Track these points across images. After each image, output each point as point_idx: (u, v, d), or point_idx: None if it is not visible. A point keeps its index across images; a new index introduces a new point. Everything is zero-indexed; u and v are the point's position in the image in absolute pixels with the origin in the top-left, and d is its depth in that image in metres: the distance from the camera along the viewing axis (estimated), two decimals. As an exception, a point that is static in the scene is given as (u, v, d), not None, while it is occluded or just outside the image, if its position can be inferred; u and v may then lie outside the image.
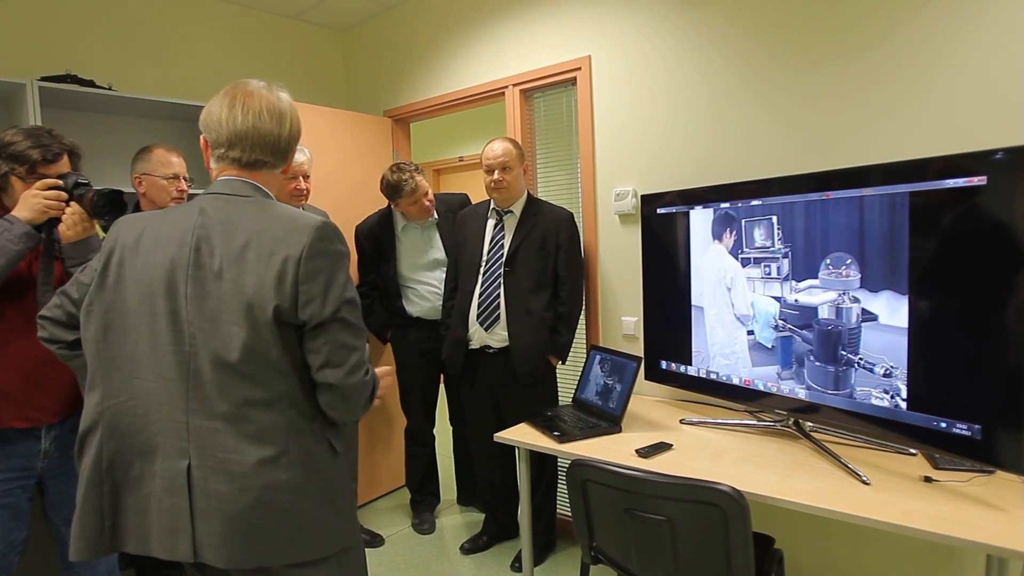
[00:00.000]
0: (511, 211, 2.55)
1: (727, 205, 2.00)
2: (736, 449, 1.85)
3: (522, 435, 2.07)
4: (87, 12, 2.77)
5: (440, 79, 3.27)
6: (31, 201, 1.61)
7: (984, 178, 1.42)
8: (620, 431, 2.05)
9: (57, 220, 1.65)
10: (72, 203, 1.66)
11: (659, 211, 2.23)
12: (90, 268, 1.25)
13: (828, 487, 1.54)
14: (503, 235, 2.55)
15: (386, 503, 3.35)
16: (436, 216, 2.91)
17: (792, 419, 1.92)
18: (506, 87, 2.92)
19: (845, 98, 2.01)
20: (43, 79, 2.36)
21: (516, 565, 2.62)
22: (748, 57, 2.20)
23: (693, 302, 2.14)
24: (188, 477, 1.10)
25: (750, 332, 1.97)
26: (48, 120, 2.39)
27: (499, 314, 2.49)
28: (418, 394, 2.98)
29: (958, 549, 1.88)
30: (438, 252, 2.92)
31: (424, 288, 2.90)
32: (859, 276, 1.68)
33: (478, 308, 2.54)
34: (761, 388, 1.95)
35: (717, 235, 2.05)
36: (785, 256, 1.86)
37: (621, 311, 2.63)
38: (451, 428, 3.17)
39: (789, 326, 1.86)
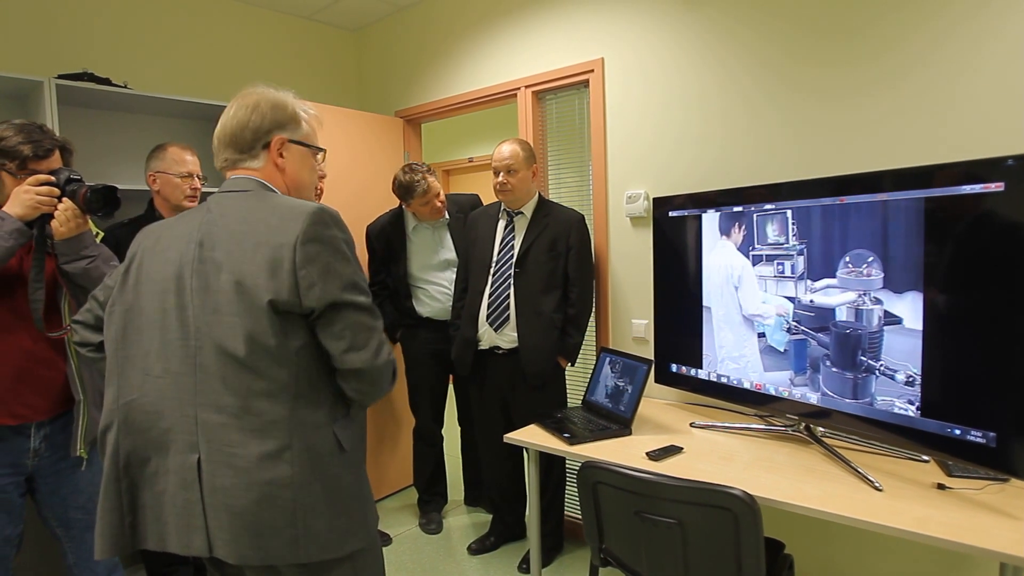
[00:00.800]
0: (522, 212, 2.55)
1: (739, 209, 1.98)
2: (746, 453, 1.84)
3: (532, 436, 2.07)
4: (104, 11, 2.80)
5: (452, 80, 3.27)
6: (23, 197, 1.58)
7: (1001, 184, 1.40)
8: (630, 434, 2.04)
9: (49, 216, 1.63)
10: (64, 199, 1.63)
11: (671, 214, 2.22)
12: (117, 272, 1.27)
13: (840, 493, 1.53)
14: (513, 236, 2.55)
15: (393, 503, 3.36)
16: (447, 217, 2.92)
17: (803, 424, 1.91)
18: (518, 89, 2.93)
19: (862, 100, 1.99)
20: (60, 77, 2.38)
21: (524, 566, 2.62)
22: (762, 59, 2.19)
23: (704, 304, 2.13)
24: (198, 471, 1.10)
25: (761, 334, 1.93)
26: (65, 117, 2.42)
27: (509, 315, 2.49)
28: (427, 394, 2.99)
29: (969, 558, 1.86)
30: (449, 252, 2.93)
31: (434, 288, 2.91)
32: (882, 275, 1.56)
33: (488, 309, 2.54)
34: (773, 393, 1.94)
35: (725, 230, 1.97)
36: (800, 253, 1.75)
37: (631, 313, 2.63)
38: (459, 428, 3.17)
39: (804, 328, 1.78)
